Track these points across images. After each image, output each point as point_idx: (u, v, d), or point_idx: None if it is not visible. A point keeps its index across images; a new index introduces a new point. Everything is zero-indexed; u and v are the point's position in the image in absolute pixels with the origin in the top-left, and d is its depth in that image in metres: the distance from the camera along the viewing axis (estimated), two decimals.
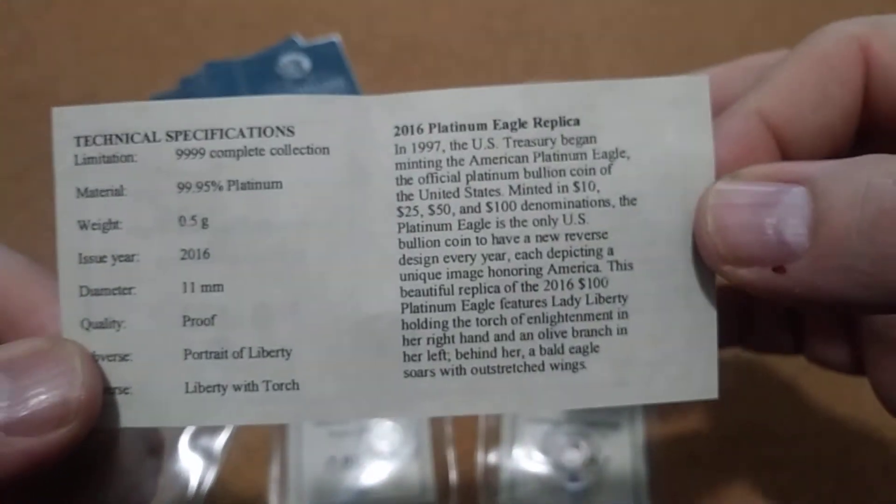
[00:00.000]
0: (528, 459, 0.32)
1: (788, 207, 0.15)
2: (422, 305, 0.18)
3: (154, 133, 0.17)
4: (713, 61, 0.22)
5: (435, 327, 0.18)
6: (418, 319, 0.18)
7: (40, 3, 0.45)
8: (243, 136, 0.17)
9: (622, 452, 0.32)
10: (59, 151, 0.18)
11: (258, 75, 0.43)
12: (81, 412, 0.16)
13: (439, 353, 0.18)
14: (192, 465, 0.32)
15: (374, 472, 0.32)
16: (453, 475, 0.32)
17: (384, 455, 0.32)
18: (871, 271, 0.14)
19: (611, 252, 0.18)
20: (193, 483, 0.32)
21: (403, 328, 0.18)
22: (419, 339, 0.18)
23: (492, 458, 0.33)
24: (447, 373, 0.18)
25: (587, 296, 0.18)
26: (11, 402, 0.16)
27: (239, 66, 0.43)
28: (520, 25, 0.46)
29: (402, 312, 0.18)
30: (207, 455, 0.33)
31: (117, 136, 0.17)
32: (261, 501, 0.32)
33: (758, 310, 0.24)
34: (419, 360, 0.18)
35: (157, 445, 0.23)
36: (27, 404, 0.16)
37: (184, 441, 0.33)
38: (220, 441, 0.33)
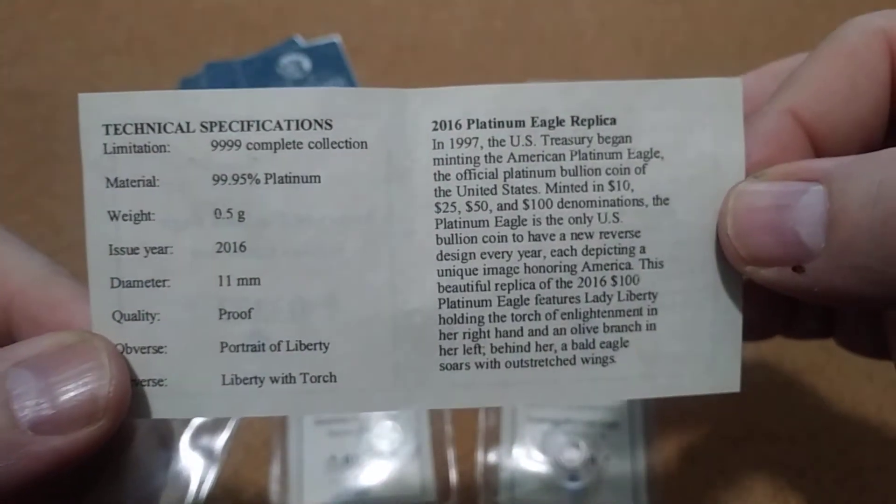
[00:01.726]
0: (527, 459, 0.32)
1: (805, 208, 0.16)
2: (459, 301, 0.18)
3: (188, 123, 0.17)
4: (712, 61, 0.22)
5: (471, 322, 0.18)
6: (455, 314, 0.18)
7: (42, 4, 0.45)
8: (280, 128, 0.17)
9: (622, 452, 0.32)
10: (86, 139, 0.17)
11: (259, 76, 0.43)
12: (111, 409, 0.16)
13: (475, 346, 0.18)
14: (192, 464, 0.32)
15: (374, 472, 0.32)
16: (453, 474, 0.32)
17: (384, 455, 0.32)
18: (882, 270, 0.14)
19: (643, 250, 0.18)
20: (194, 482, 0.32)
21: (440, 323, 0.18)
22: (455, 334, 0.18)
23: (491, 457, 0.33)
24: (482, 366, 0.18)
25: (619, 292, 0.18)
26: (40, 399, 0.15)
27: (239, 67, 0.43)
28: (519, 26, 0.46)
29: (440, 307, 0.18)
30: (208, 454, 0.33)
31: (149, 125, 0.17)
32: (261, 501, 0.32)
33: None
34: (455, 353, 0.18)
35: (168, 437, 0.23)
36: (56, 402, 0.15)
37: (184, 440, 0.33)
38: (220, 440, 0.33)
